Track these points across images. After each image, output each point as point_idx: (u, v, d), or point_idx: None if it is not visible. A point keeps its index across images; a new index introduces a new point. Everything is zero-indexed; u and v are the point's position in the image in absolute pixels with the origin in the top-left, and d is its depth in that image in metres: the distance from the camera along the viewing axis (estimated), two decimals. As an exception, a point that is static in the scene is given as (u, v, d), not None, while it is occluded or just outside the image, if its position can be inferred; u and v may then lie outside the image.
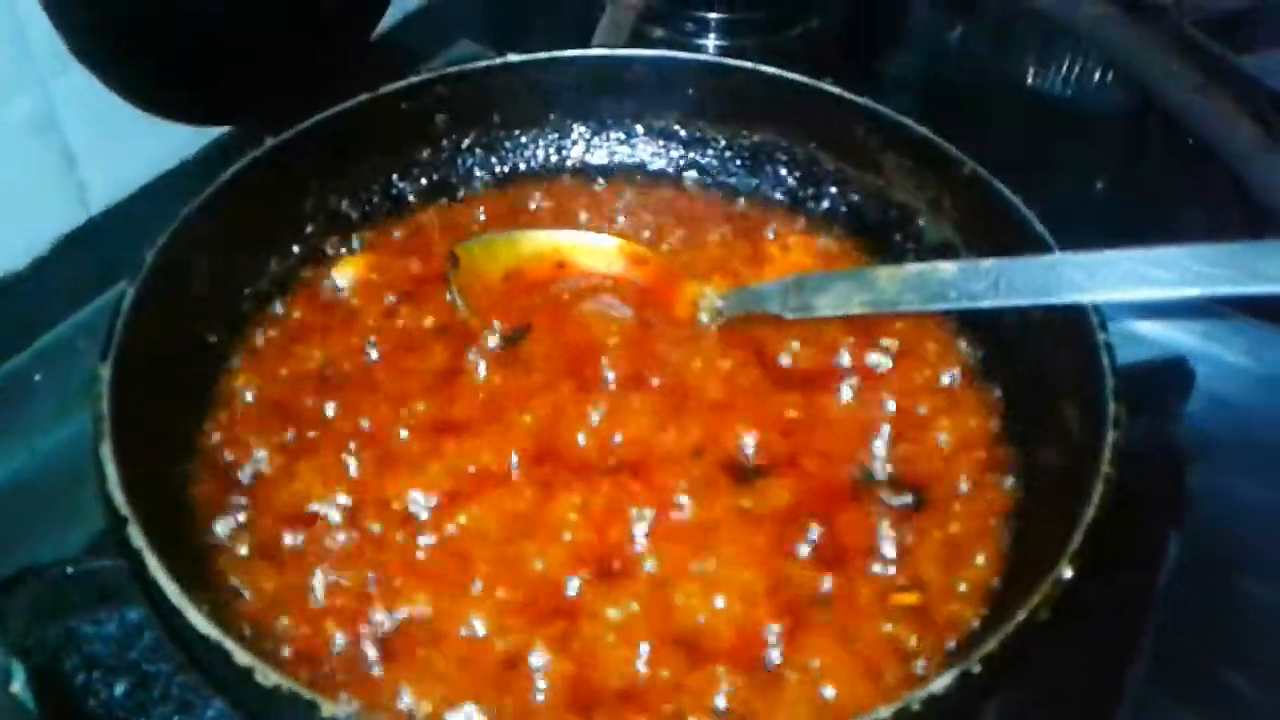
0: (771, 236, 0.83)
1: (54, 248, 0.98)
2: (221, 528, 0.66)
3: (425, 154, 0.84)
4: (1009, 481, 0.68)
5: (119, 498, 0.56)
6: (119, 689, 0.64)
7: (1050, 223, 0.70)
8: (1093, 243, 0.92)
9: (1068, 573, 0.54)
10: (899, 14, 1.32)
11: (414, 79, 0.81)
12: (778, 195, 0.86)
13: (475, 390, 0.72)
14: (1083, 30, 1.13)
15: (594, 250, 0.80)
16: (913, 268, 0.71)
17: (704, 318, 0.76)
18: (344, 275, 0.79)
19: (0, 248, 0.94)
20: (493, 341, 0.74)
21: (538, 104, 0.85)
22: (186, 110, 1.01)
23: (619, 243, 0.80)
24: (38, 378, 0.85)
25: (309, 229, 0.80)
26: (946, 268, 0.69)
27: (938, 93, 1.22)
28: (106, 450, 0.58)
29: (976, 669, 0.51)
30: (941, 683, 0.50)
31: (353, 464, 0.68)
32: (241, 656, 0.51)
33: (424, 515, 0.66)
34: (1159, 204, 1.22)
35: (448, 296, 0.77)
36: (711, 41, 1.18)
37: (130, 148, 1.00)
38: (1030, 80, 1.21)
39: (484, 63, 0.83)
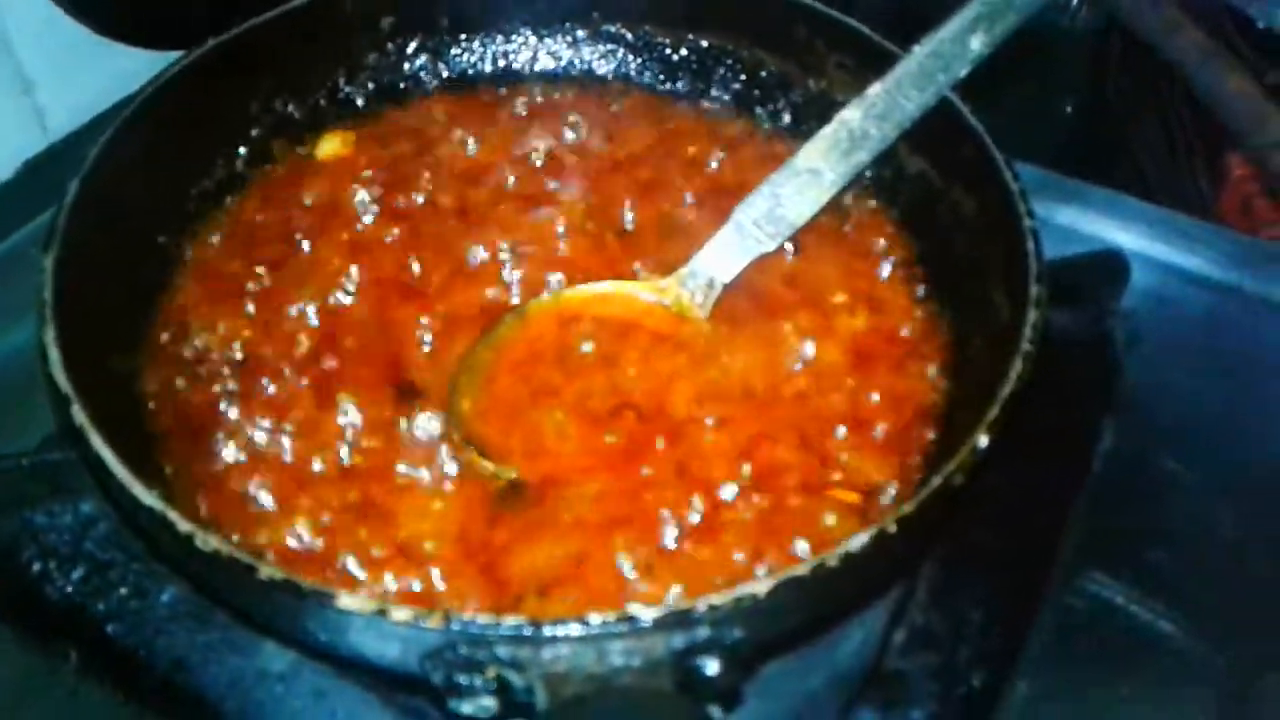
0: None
1: (16, 174, 0.98)
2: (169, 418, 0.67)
3: (372, 58, 0.85)
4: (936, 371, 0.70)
5: (61, 379, 0.57)
6: (75, 577, 0.66)
7: (1011, 136, 0.71)
8: (1050, 155, 0.95)
9: (984, 440, 0.56)
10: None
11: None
12: (724, 99, 0.86)
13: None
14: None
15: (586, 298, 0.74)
16: (824, 131, 0.73)
17: (698, 312, 0.72)
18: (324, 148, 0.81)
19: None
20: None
21: (485, 8, 0.86)
22: (144, 34, 1.00)
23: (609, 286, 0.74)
24: (-8, 288, 0.86)
25: (255, 131, 0.81)
26: (848, 115, 0.72)
27: (907, 9, 1.22)
28: (50, 335, 0.59)
29: (892, 529, 0.53)
30: (858, 540, 0.52)
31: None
32: (183, 525, 0.52)
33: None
34: (1117, 120, 1.23)
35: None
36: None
37: (88, 72, 0.99)
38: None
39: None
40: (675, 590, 0.60)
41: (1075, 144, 1.25)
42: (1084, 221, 0.90)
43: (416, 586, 0.61)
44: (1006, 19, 0.72)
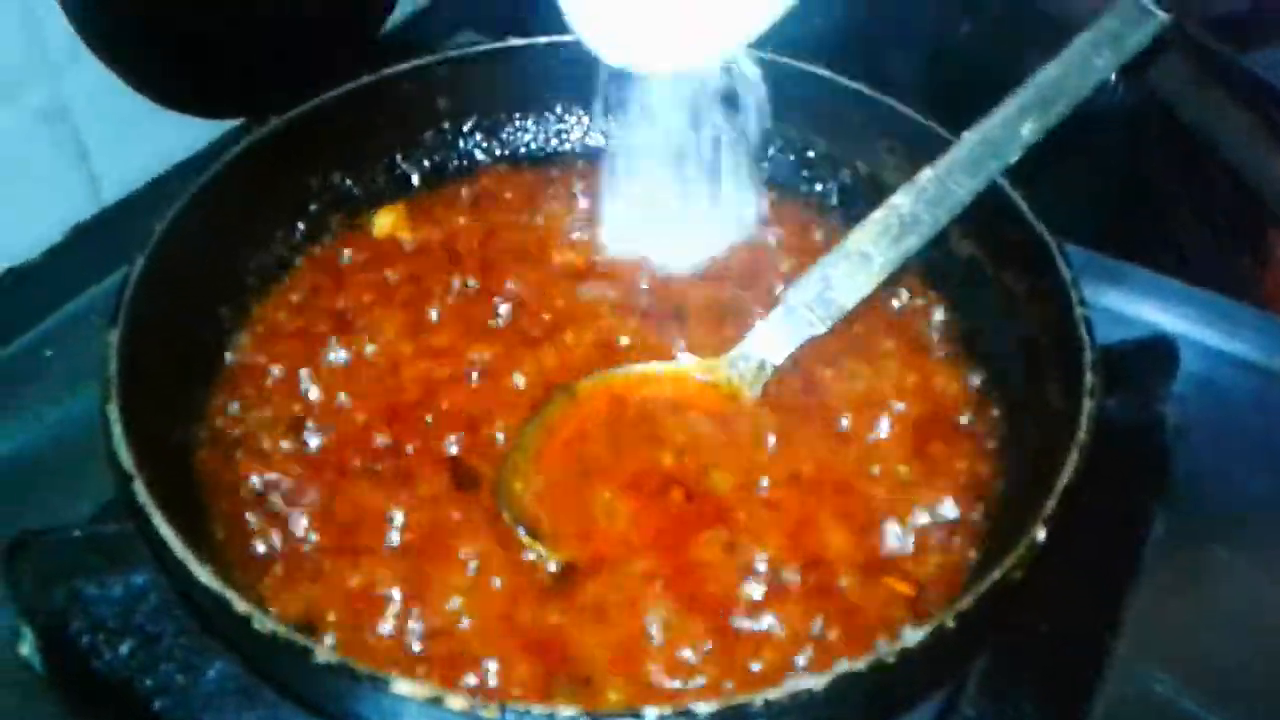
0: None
1: (66, 237, 0.99)
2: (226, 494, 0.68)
3: (428, 135, 0.86)
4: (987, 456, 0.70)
5: (124, 455, 0.58)
6: (124, 650, 0.66)
7: (1048, 215, 0.72)
8: (1090, 235, 0.95)
9: (1041, 535, 0.56)
10: (905, 10, 1.33)
11: (417, 61, 0.83)
12: (772, 178, 0.87)
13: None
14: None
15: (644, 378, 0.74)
16: (874, 215, 0.73)
17: (748, 393, 0.73)
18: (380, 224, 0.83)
19: (13, 237, 0.95)
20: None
21: (537, 88, 0.88)
22: (198, 103, 1.02)
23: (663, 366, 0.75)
24: (48, 353, 0.87)
25: (314, 206, 0.82)
26: (897, 201, 0.73)
27: (942, 88, 1.23)
28: (113, 410, 0.60)
29: (951, 624, 0.52)
30: (914, 637, 0.52)
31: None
32: (240, 605, 0.53)
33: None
34: (1157, 199, 1.23)
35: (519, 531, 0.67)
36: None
37: (142, 139, 1.01)
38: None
39: (484, 46, 0.85)
40: (725, 678, 0.60)
41: (1113, 223, 1.25)
42: (1129, 304, 0.89)
43: (468, 674, 0.60)
44: (1058, 106, 0.73)
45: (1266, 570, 0.74)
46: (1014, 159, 0.73)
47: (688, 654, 0.60)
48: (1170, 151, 1.21)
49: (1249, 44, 1.17)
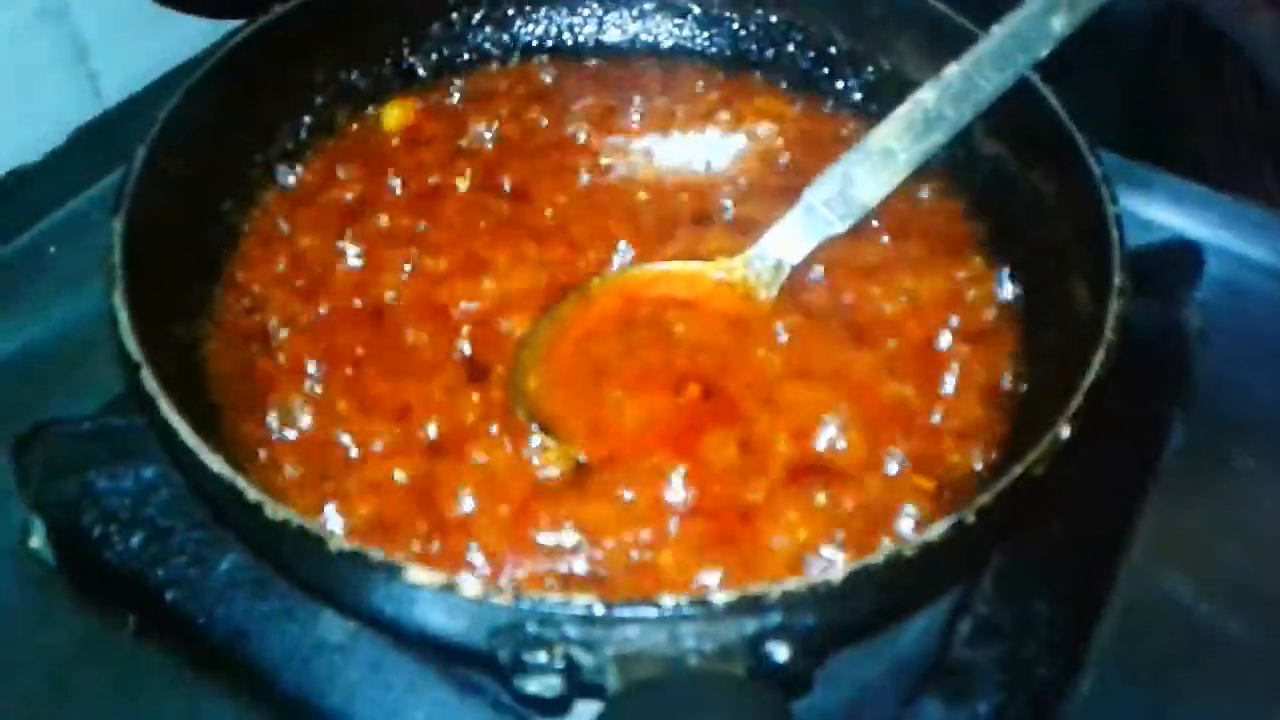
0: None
1: (67, 140, 0.97)
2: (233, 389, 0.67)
3: (436, 28, 0.84)
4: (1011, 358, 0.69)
5: (131, 343, 0.57)
6: (135, 542, 0.66)
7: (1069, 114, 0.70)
8: (1111, 141, 0.93)
9: (1065, 431, 0.55)
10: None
11: (424, -48, 0.80)
12: (793, 75, 0.85)
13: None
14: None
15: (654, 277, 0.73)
16: (898, 111, 0.71)
17: (765, 293, 0.71)
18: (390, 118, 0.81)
19: (14, 139, 0.94)
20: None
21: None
22: (200, 3, 1.00)
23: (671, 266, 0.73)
24: (52, 250, 0.86)
25: (320, 99, 0.80)
26: (921, 96, 0.71)
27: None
28: (119, 299, 0.58)
29: (971, 519, 0.52)
30: (937, 530, 0.51)
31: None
32: (252, 494, 0.52)
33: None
34: (1179, 104, 1.21)
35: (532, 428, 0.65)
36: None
37: (142, 40, 0.99)
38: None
39: (497, -66, 0.83)
40: (741, 572, 0.59)
41: (1134, 129, 1.23)
42: (1152, 209, 0.88)
43: (479, 559, 0.60)
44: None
45: (1284, 478, 0.74)
46: (1043, 54, 0.71)
47: (703, 548, 0.60)
48: (1192, 56, 1.18)
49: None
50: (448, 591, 0.50)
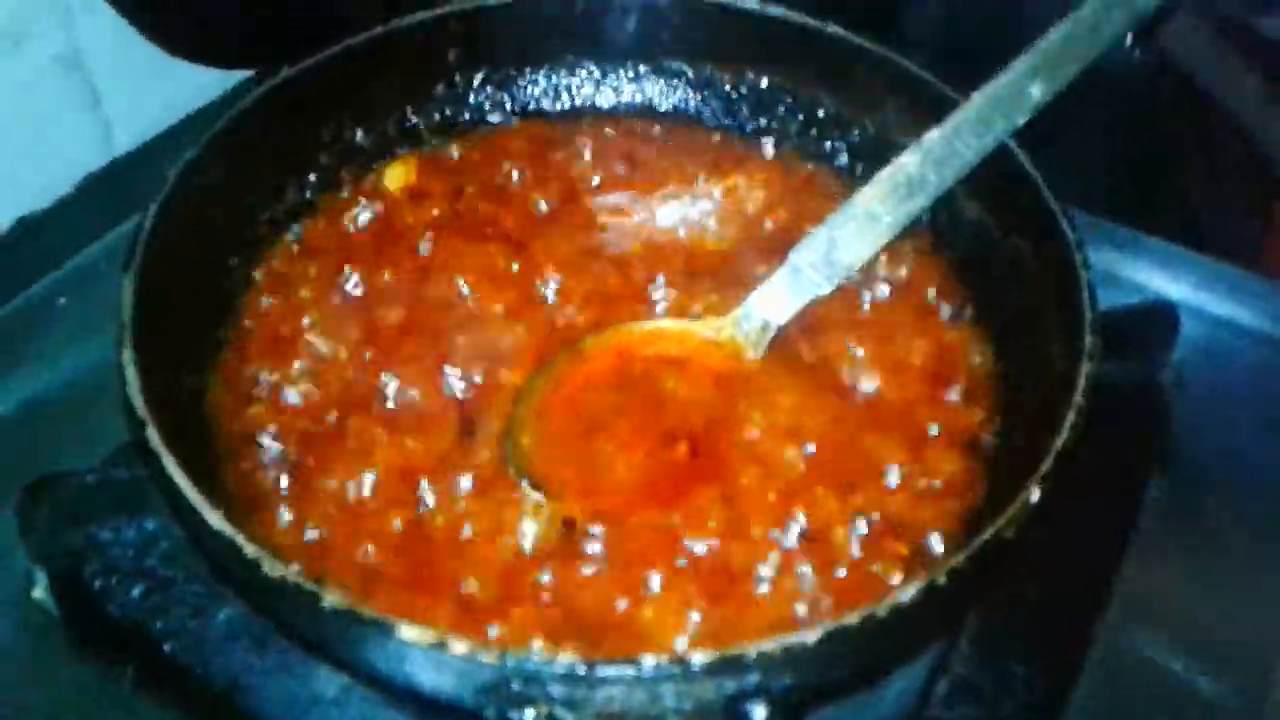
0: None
1: (78, 187, 0.99)
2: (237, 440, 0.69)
3: (439, 89, 0.87)
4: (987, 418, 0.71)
5: (138, 401, 0.59)
6: (136, 593, 0.68)
7: (1059, 177, 0.72)
8: (1099, 198, 0.95)
9: (1035, 495, 0.57)
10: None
11: (427, 14, 0.83)
12: (782, 136, 0.87)
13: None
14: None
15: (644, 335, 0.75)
16: (881, 175, 0.73)
17: (751, 353, 0.73)
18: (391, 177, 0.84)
19: (25, 185, 0.96)
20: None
21: (549, 42, 0.87)
22: (211, 53, 1.03)
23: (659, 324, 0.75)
24: (61, 301, 0.88)
25: (325, 158, 0.83)
26: (906, 160, 0.73)
27: (955, 45, 1.22)
28: (128, 356, 0.61)
29: (942, 580, 0.53)
30: (907, 593, 0.53)
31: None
32: (250, 550, 0.54)
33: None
34: (1168, 162, 1.23)
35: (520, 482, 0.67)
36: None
37: (154, 89, 1.02)
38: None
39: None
40: (720, 632, 0.61)
41: (1123, 186, 1.25)
42: (1133, 269, 0.90)
43: (468, 615, 0.62)
44: (1067, 68, 0.73)
45: (1261, 538, 0.75)
46: (1022, 121, 0.73)
47: (684, 607, 0.61)
48: (1181, 115, 1.20)
49: (1263, 6, 1.16)
50: (437, 649, 0.51)
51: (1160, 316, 0.79)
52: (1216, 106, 1.09)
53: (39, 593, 0.70)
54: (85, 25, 0.95)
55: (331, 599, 0.52)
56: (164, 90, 1.02)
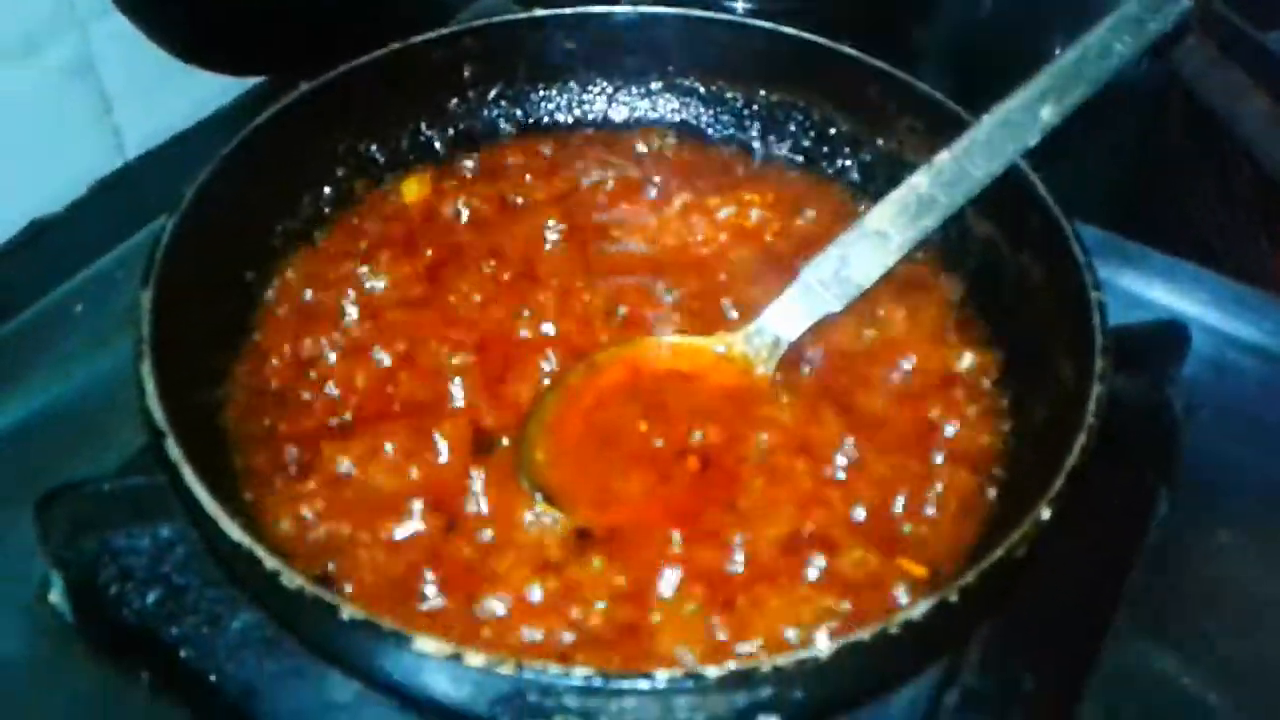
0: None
1: (90, 191, 1.00)
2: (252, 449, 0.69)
3: (453, 104, 0.88)
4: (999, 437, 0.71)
5: (158, 412, 0.59)
6: (150, 599, 0.68)
7: (1068, 195, 0.73)
8: (1108, 215, 0.95)
9: (1046, 514, 0.57)
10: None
11: (443, 30, 0.84)
12: (793, 154, 0.88)
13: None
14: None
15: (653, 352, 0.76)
16: (892, 195, 0.74)
17: (762, 369, 0.74)
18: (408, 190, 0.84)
19: (37, 190, 0.97)
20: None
21: (563, 58, 0.88)
22: (222, 60, 1.04)
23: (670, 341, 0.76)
24: (78, 309, 0.89)
25: (340, 171, 0.83)
26: (915, 181, 0.74)
27: (966, 64, 1.23)
28: (147, 368, 0.61)
29: (954, 598, 0.54)
30: (919, 609, 0.53)
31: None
32: (269, 561, 0.54)
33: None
34: (1176, 180, 1.23)
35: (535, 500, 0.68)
36: (740, 4, 1.19)
37: (166, 95, 1.03)
38: (1058, 53, 1.22)
39: (511, 16, 0.86)
40: (738, 646, 0.61)
41: (1131, 203, 1.25)
42: (1143, 286, 0.90)
43: (483, 626, 0.62)
44: (1077, 90, 0.74)
45: (1269, 554, 0.75)
46: (1033, 143, 0.73)
47: (695, 619, 0.62)
48: (1190, 133, 1.21)
49: (1271, 24, 1.16)
50: (454, 661, 0.52)
51: (1171, 333, 0.79)
52: (1225, 125, 1.10)
53: (55, 597, 0.70)
54: (96, 32, 0.96)
55: (350, 610, 0.53)
56: (175, 97, 1.04)
